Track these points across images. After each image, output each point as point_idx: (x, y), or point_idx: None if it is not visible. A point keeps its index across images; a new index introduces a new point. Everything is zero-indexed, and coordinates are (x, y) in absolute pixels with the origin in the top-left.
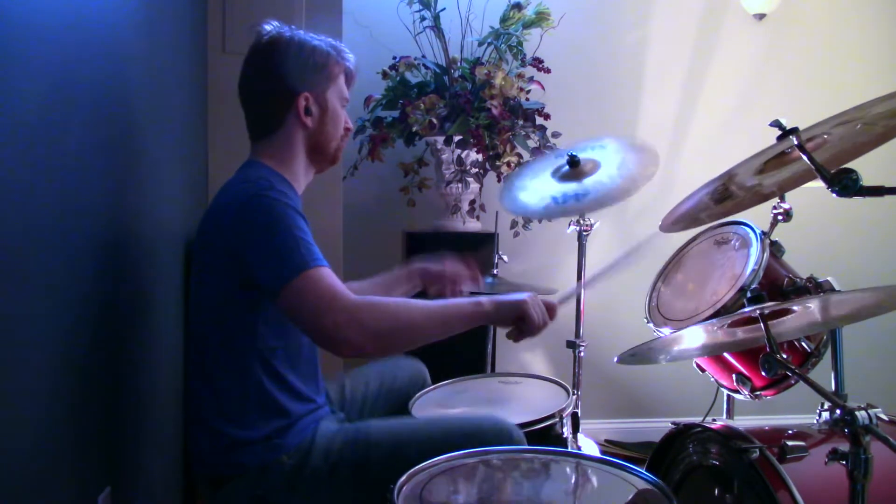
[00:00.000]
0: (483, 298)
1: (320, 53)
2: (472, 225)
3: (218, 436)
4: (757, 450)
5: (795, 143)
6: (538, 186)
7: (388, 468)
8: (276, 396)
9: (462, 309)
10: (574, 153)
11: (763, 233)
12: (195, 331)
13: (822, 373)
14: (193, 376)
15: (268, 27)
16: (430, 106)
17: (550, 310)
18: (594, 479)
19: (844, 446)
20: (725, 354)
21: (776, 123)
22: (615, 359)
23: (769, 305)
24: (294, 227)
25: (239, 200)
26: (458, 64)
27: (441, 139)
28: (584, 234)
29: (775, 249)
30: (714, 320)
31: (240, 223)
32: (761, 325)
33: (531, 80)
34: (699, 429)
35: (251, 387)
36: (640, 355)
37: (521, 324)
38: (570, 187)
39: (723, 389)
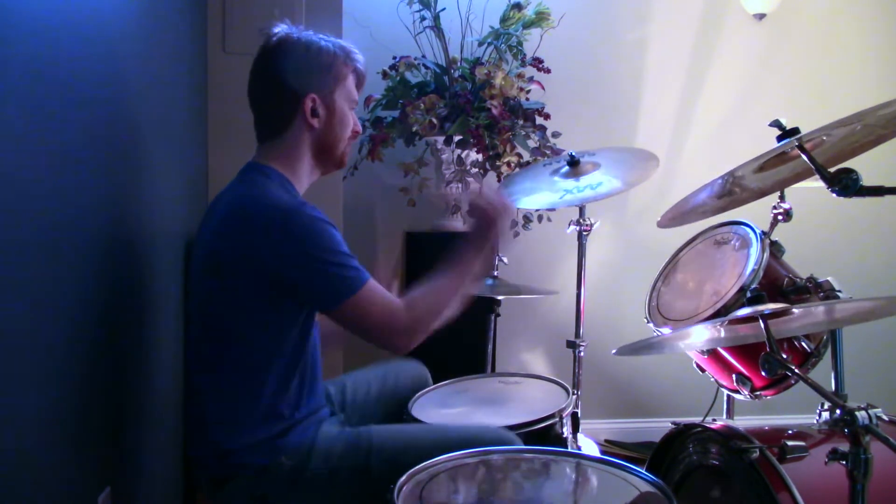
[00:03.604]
0: (468, 256)
1: (327, 54)
2: None
3: (220, 438)
4: (757, 450)
5: (795, 143)
6: (542, 187)
7: (389, 474)
8: (283, 401)
9: (467, 265)
10: (573, 153)
11: (763, 233)
12: (201, 332)
13: (822, 373)
14: (196, 377)
15: (277, 28)
16: (430, 106)
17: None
18: (594, 479)
19: (844, 446)
20: (725, 354)
21: (776, 123)
22: (613, 350)
23: (769, 307)
24: (339, 244)
25: (273, 212)
26: (458, 64)
27: (441, 139)
28: (584, 234)
29: (775, 249)
30: (713, 321)
31: (281, 240)
32: (761, 324)
33: (531, 80)
34: (699, 429)
35: (263, 392)
36: (640, 348)
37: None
38: (577, 183)
39: (723, 389)
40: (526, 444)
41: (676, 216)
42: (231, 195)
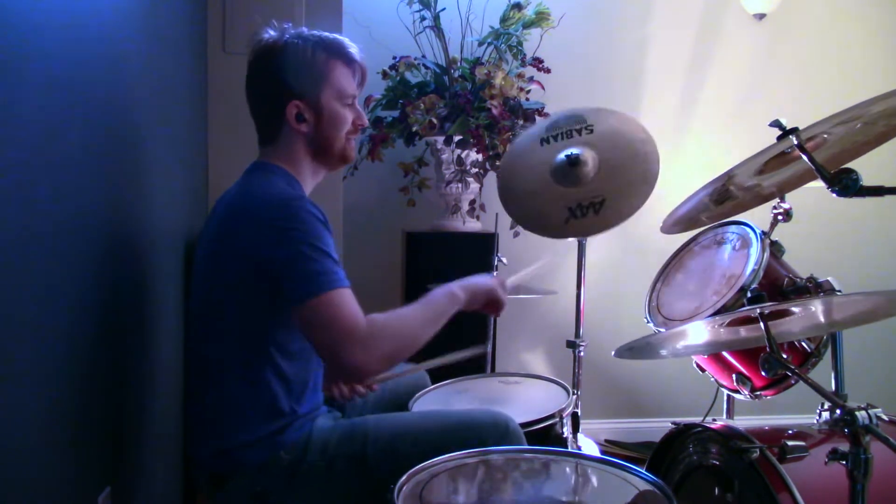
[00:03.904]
0: (456, 289)
1: (304, 56)
2: (472, 225)
3: (220, 436)
4: (757, 450)
5: (795, 143)
6: (544, 191)
7: (385, 461)
8: (281, 398)
9: (444, 305)
10: (571, 153)
11: (763, 233)
12: (203, 332)
13: (822, 373)
14: (197, 376)
15: (264, 34)
16: (430, 106)
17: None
18: (594, 479)
19: (844, 446)
20: (725, 354)
21: (776, 123)
22: (613, 352)
23: (769, 305)
24: (325, 243)
25: (267, 205)
26: (458, 64)
27: (441, 139)
28: None
29: (775, 249)
30: (713, 318)
31: (269, 230)
32: (761, 325)
33: (531, 80)
34: (699, 429)
35: (261, 389)
36: (638, 349)
37: (492, 306)
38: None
39: (723, 389)
40: (526, 444)
41: (678, 221)
42: (233, 194)
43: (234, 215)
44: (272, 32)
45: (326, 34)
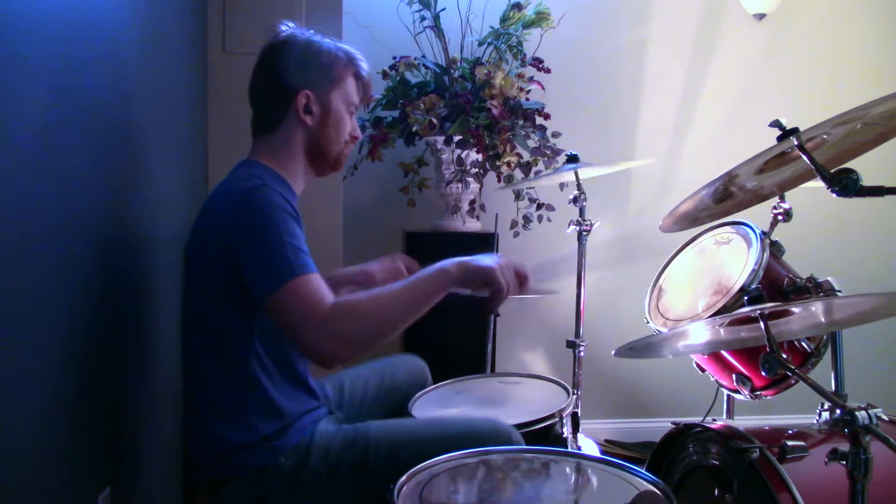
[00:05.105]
0: (449, 264)
1: (327, 54)
2: (472, 225)
3: (217, 438)
4: (757, 450)
5: (795, 143)
6: None
7: (387, 469)
8: (273, 397)
9: (431, 282)
10: (573, 152)
11: (763, 233)
12: (191, 331)
13: (822, 373)
14: (190, 378)
15: (283, 27)
16: (430, 106)
17: (521, 277)
18: (594, 479)
19: (844, 446)
20: (725, 354)
21: (776, 124)
22: (613, 352)
23: (769, 306)
24: (289, 233)
25: (232, 198)
26: (458, 64)
27: (441, 139)
28: (584, 234)
29: (775, 249)
30: (713, 319)
31: (232, 221)
32: (761, 325)
33: (531, 80)
34: (699, 429)
35: (249, 388)
36: (639, 349)
37: (489, 288)
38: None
39: (723, 389)
40: (526, 444)
41: (678, 220)
42: (215, 189)
43: (205, 213)
44: (293, 26)
45: (346, 45)
